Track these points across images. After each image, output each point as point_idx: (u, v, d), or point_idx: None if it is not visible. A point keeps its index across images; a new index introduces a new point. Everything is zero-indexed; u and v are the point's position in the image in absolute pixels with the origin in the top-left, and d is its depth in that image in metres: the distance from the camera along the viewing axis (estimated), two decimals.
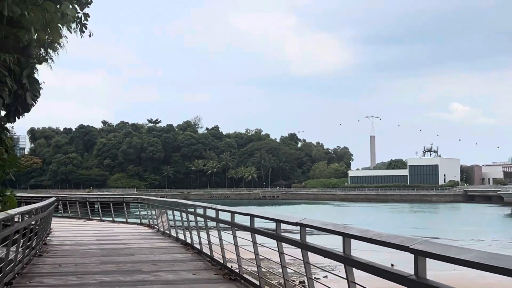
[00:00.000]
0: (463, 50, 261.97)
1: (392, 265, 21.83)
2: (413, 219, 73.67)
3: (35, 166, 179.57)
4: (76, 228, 23.73)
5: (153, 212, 23.38)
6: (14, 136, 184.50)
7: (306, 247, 6.16)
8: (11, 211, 9.15)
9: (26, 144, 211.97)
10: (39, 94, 14.01)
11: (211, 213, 12.29)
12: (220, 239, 11.19)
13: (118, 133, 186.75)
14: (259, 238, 8.60)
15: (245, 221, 9.50)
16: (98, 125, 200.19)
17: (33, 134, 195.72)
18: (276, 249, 7.57)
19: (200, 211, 13.14)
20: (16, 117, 13.82)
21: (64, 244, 16.57)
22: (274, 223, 7.36)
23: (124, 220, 27.53)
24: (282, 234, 7.22)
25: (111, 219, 28.30)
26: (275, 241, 7.49)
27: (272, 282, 8.34)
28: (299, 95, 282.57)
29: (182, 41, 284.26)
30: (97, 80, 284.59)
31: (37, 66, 20.34)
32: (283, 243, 7.30)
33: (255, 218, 8.74)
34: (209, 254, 12.54)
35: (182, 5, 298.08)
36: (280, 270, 7.69)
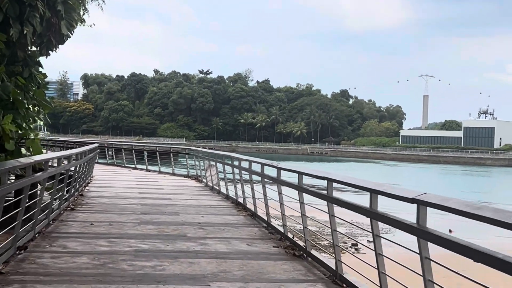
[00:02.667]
0: None
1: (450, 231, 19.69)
2: (467, 182, 70.72)
3: (87, 112, 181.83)
4: (120, 177, 22.20)
5: (201, 165, 21.68)
6: (68, 81, 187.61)
7: (426, 236, 4.14)
8: (25, 160, 7.37)
9: (79, 90, 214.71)
10: (76, 24, 12.15)
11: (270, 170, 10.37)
12: (281, 204, 9.22)
13: (169, 83, 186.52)
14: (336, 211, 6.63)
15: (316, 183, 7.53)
16: (150, 74, 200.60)
17: (86, 80, 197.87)
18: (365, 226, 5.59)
19: (257, 168, 11.20)
20: (50, 50, 12.03)
21: (103, 196, 14.93)
22: (369, 195, 5.33)
23: (170, 171, 25.99)
24: (383, 212, 5.18)
25: (157, 169, 26.83)
26: (365, 217, 5.48)
27: (349, 266, 6.36)
28: (352, 51, 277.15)
29: None
30: (150, 29, 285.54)
31: (87, 6, 18.53)
32: (379, 222, 5.31)
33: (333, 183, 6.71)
34: (266, 219, 10.64)
35: None
36: (370, 252, 5.71)
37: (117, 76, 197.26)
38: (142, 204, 13.42)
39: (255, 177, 11.75)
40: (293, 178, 8.44)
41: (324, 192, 6.80)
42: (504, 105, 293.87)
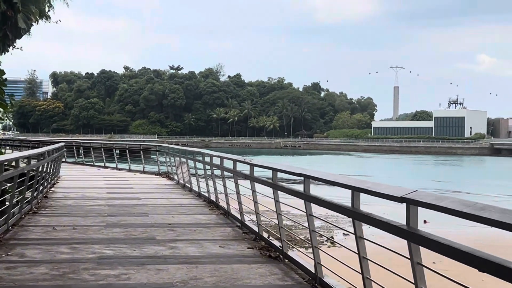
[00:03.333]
0: (493, 1, 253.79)
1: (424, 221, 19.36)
2: (439, 172, 71.32)
3: (57, 111, 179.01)
4: (88, 177, 21.47)
5: (172, 162, 21.07)
6: (37, 80, 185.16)
7: (418, 240, 3.67)
8: None
9: (48, 88, 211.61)
10: (34, 18, 11.46)
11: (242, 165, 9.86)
12: (255, 202, 8.72)
13: (140, 79, 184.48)
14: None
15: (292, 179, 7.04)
16: (120, 71, 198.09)
17: (55, 78, 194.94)
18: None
19: (229, 164, 10.67)
20: (7, 46, 11.34)
21: (68, 197, 14.28)
22: (350, 192, 4.84)
23: (141, 169, 25.29)
24: (367, 211, 4.70)
25: (127, 167, 26.12)
26: (350, 219, 4.99)
27: (328, 269, 5.87)
28: (323, 44, 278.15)
29: None
30: (120, 26, 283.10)
31: (53, 2, 17.82)
32: (362, 223, 4.84)
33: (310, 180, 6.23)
34: (239, 218, 10.12)
35: None
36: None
37: (87, 73, 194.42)
38: (109, 205, 12.81)
39: (228, 174, 11.24)
40: (267, 173, 7.98)
41: (301, 189, 6.31)
42: (473, 95, 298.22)
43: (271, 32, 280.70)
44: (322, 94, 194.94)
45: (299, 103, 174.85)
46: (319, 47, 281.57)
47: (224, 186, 11.21)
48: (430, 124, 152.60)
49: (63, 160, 27.13)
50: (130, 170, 25.58)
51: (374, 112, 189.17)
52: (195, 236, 9.17)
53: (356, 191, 4.75)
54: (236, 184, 10.00)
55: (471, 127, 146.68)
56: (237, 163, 9.97)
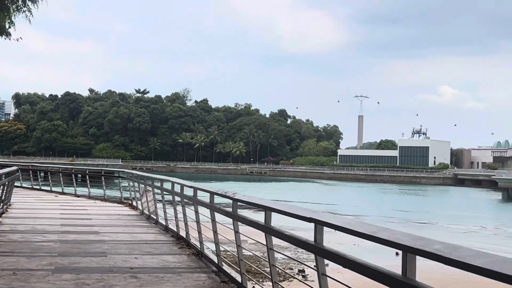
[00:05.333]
0: (456, 34, 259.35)
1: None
2: (405, 201, 70.92)
3: (19, 132, 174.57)
4: (42, 205, 19.45)
5: (137, 189, 19.22)
6: None
7: None
8: None
9: (11, 110, 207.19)
10: None
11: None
12: (238, 246, 7.12)
13: (105, 102, 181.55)
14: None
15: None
16: (85, 93, 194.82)
17: (18, 99, 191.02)
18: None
19: (204, 198, 9.06)
20: None
21: (16, 230, 12.40)
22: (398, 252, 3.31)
23: (102, 196, 23.29)
24: None
25: (87, 194, 24.15)
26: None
27: None
28: (290, 72, 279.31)
29: (174, 13, 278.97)
30: (86, 48, 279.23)
31: (14, 19, 16.82)
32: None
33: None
34: (216, 261, 8.48)
35: None
36: None
37: (51, 95, 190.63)
38: (61, 241, 10.99)
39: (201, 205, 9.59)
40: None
41: (310, 239, 4.73)
42: (436, 125, 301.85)
43: (238, 58, 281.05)
44: (289, 121, 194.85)
45: (266, 130, 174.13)
46: (286, 74, 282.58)
47: (198, 222, 9.56)
48: (395, 153, 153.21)
49: (19, 185, 25.17)
50: (90, 197, 23.64)
51: (339, 140, 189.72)
52: (163, 286, 7.49)
53: (410, 253, 3.19)
54: (213, 221, 8.37)
55: (435, 157, 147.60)
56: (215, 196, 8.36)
